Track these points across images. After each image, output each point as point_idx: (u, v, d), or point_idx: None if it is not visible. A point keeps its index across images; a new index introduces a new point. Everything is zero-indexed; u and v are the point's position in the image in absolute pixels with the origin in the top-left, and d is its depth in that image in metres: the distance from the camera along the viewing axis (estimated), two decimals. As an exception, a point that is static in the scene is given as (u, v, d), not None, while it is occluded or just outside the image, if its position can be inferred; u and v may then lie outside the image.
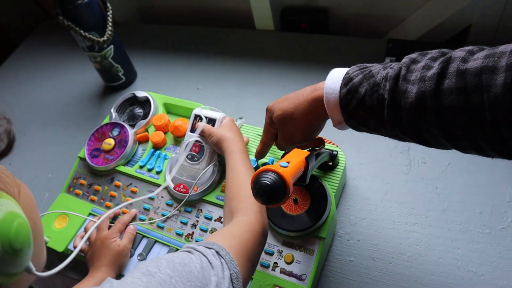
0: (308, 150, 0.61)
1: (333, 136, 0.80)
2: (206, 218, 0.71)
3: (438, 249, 0.68)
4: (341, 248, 0.71)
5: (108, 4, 0.88)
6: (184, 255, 0.45)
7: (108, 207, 0.76)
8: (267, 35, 1.05)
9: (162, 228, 0.72)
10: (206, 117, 0.74)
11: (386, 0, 0.94)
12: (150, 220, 0.73)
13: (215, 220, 0.70)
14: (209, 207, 0.72)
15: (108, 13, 0.88)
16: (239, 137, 0.70)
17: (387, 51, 0.87)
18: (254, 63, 1.00)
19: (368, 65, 0.51)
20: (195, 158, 0.72)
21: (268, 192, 0.47)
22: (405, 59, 0.46)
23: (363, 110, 0.48)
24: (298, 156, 0.55)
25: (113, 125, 0.82)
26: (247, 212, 0.56)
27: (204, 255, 0.45)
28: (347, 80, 0.49)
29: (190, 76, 1.02)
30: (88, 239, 0.70)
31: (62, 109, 1.03)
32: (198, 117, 0.75)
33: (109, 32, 0.88)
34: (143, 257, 0.70)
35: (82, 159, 0.82)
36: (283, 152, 0.69)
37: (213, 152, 0.72)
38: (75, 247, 0.63)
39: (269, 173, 0.48)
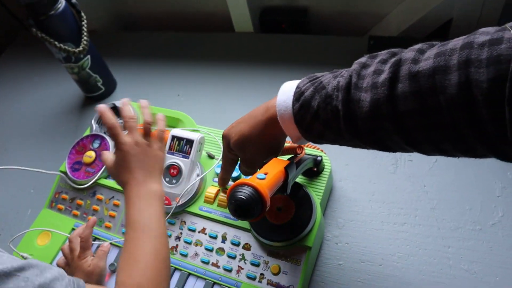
0: (288, 159, 0.60)
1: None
2: (190, 230, 0.69)
3: (429, 248, 0.66)
4: (330, 252, 0.69)
5: (83, 14, 0.86)
6: None
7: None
8: (247, 37, 1.04)
9: (146, 241, 0.70)
10: (184, 138, 0.72)
11: (367, -4, 0.93)
12: (134, 233, 0.71)
13: (199, 232, 0.68)
14: (192, 218, 0.70)
15: (83, 23, 0.86)
16: (148, 171, 0.58)
17: (369, 48, 0.86)
18: (234, 66, 0.98)
19: (318, 75, 0.49)
20: (173, 181, 0.71)
21: (243, 207, 0.45)
22: (355, 65, 0.44)
23: (319, 124, 0.46)
24: (276, 166, 0.54)
25: (94, 137, 0.80)
26: None
27: None
28: (298, 95, 0.48)
29: (170, 83, 1.00)
30: (67, 260, 0.67)
31: (43, 122, 1.01)
32: (175, 138, 0.73)
33: (85, 42, 0.86)
34: (128, 272, 0.68)
35: (64, 173, 0.80)
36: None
37: (192, 167, 0.71)
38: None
39: (244, 187, 0.46)
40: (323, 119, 0.45)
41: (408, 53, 0.40)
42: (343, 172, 0.76)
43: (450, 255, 0.65)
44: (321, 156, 0.68)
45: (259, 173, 0.49)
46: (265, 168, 0.52)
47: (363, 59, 0.44)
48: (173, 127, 0.81)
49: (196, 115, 0.82)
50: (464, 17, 0.85)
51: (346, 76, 0.44)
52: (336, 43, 0.96)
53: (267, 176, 0.49)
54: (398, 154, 0.76)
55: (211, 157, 0.76)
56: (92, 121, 0.83)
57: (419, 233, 0.68)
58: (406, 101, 0.38)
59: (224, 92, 0.94)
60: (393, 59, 0.41)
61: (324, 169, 0.70)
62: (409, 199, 0.71)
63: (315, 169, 0.70)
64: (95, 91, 0.97)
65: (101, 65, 0.96)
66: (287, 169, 0.53)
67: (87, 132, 0.84)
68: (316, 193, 0.67)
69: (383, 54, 0.44)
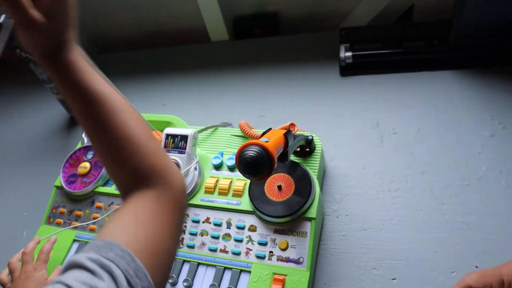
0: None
1: (303, 125, 0.82)
2: (194, 221, 0.70)
3: (425, 208, 0.70)
4: (332, 225, 0.71)
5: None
6: None
7: (93, 230, 0.75)
8: (223, 45, 1.08)
9: (151, 240, 0.71)
10: (178, 135, 0.74)
11: (331, -4, 0.99)
12: (138, 234, 0.72)
13: (203, 222, 0.70)
14: (194, 210, 0.71)
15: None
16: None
17: (341, 39, 0.91)
18: (215, 72, 1.02)
19: None
20: None
21: (254, 164, 0.48)
22: None
23: None
24: (277, 133, 0.57)
25: (86, 148, 0.81)
26: (161, 181, 0.43)
27: None
28: None
29: (154, 96, 1.02)
30: (11, 274, 0.65)
31: (29, 146, 1.01)
32: (169, 136, 0.75)
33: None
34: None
35: (59, 188, 0.80)
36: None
37: (189, 161, 0.72)
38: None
39: (252, 147, 0.48)
40: None
41: None
42: (333, 152, 0.80)
43: (445, 211, 0.69)
44: (311, 136, 0.72)
45: (265, 137, 0.52)
46: (267, 135, 0.55)
47: None
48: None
49: (185, 119, 0.85)
50: (424, 1, 0.92)
51: None
52: (309, 40, 1.01)
53: (270, 140, 0.52)
54: (382, 129, 0.80)
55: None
56: (83, 135, 0.84)
57: (413, 196, 0.71)
58: None
59: (208, 97, 0.97)
60: None
61: (316, 149, 0.73)
62: (399, 167, 0.75)
63: (308, 149, 0.73)
64: (80, 110, 0.98)
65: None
66: (286, 136, 0.56)
67: (79, 146, 0.84)
68: (312, 170, 0.70)
69: None
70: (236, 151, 0.74)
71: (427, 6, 0.92)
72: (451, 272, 0.63)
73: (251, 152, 0.48)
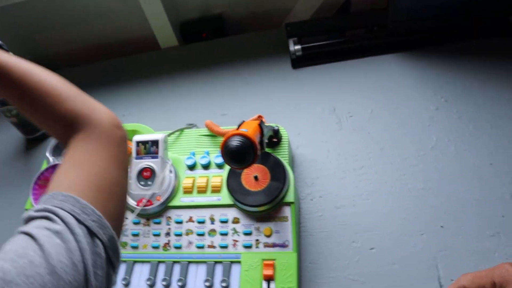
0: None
1: (266, 119, 0.86)
2: (177, 222, 0.72)
3: (388, 180, 0.76)
4: (308, 207, 0.76)
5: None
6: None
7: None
8: (173, 51, 1.09)
9: (136, 247, 0.71)
10: (148, 141, 0.75)
11: (271, -6, 1.04)
12: (122, 244, 0.72)
13: (186, 222, 0.71)
14: (176, 211, 0.73)
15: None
16: None
17: (288, 34, 0.96)
18: (169, 79, 1.03)
19: None
20: (149, 183, 0.73)
21: (239, 153, 0.51)
22: None
23: None
24: (251, 124, 0.60)
25: (54, 167, 0.80)
26: (87, 121, 0.46)
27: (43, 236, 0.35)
28: None
29: (112, 108, 1.00)
30: None
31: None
32: (140, 143, 0.76)
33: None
34: (127, 281, 0.68)
35: (30, 211, 0.78)
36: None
37: (163, 164, 0.74)
38: None
39: (236, 137, 0.52)
40: None
41: None
42: (297, 141, 0.84)
43: (407, 180, 0.75)
44: (277, 126, 0.75)
45: (242, 128, 0.55)
46: (243, 126, 0.58)
47: None
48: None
49: (149, 125, 0.85)
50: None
51: None
52: (256, 38, 1.05)
53: (249, 130, 0.55)
54: (339, 113, 0.86)
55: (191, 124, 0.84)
56: (47, 154, 0.82)
57: (377, 171, 0.77)
58: None
59: (168, 102, 0.98)
60: None
61: (283, 138, 0.77)
62: (360, 147, 0.81)
63: (275, 139, 0.77)
64: (37, 130, 0.95)
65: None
66: (260, 125, 0.60)
67: (44, 166, 0.83)
68: (282, 158, 0.74)
69: None
70: (206, 149, 0.78)
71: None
72: (421, 234, 0.69)
73: (235, 142, 0.51)
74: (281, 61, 0.98)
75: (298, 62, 0.95)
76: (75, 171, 0.42)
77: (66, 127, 0.46)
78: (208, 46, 1.07)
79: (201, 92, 0.98)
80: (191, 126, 0.85)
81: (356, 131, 0.83)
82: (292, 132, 0.85)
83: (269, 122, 0.82)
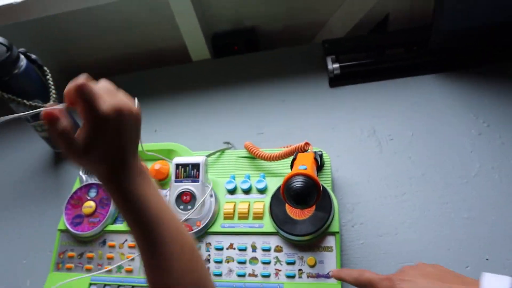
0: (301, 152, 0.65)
1: (302, 139, 0.85)
2: (217, 249, 0.70)
3: (431, 208, 0.74)
4: (349, 235, 0.74)
5: (45, 68, 0.85)
6: None
7: (109, 271, 0.72)
8: (205, 64, 1.08)
9: (174, 273, 0.70)
10: (189, 164, 0.73)
11: (306, 7, 1.02)
12: (159, 269, 0.70)
13: (227, 249, 0.70)
14: (216, 237, 0.71)
15: (48, 77, 0.84)
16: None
17: (325, 51, 0.94)
18: (201, 94, 1.01)
19: None
20: (188, 207, 0.71)
21: (303, 194, 0.49)
22: None
23: None
24: (307, 158, 0.58)
25: (88, 187, 0.78)
26: None
27: None
28: None
29: (143, 121, 0.99)
30: None
31: (14, 190, 0.95)
32: (180, 166, 0.74)
33: (54, 96, 0.84)
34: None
35: (64, 231, 0.76)
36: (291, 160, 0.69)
37: (203, 189, 0.72)
38: None
39: (298, 177, 0.50)
40: None
41: None
42: (336, 163, 0.82)
43: (450, 209, 0.73)
44: (321, 151, 0.74)
45: (301, 166, 0.53)
46: (300, 161, 0.57)
47: None
48: (167, 159, 0.82)
49: (182, 144, 0.84)
50: (398, 10, 0.97)
51: None
52: (290, 54, 1.03)
53: (307, 166, 0.53)
54: (379, 135, 0.84)
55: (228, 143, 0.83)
56: (81, 173, 0.81)
57: (419, 198, 0.75)
58: None
59: (199, 117, 0.97)
60: None
61: (325, 163, 0.76)
62: (401, 171, 0.79)
63: (318, 163, 0.75)
64: (68, 144, 0.94)
65: (70, 118, 0.93)
66: (316, 158, 0.58)
67: (77, 185, 0.81)
68: (326, 184, 0.72)
69: None
70: (247, 172, 0.76)
71: (401, 15, 0.97)
72: (466, 267, 0.67)
73: (298, 183, 0.49)
74: (317, 79, 0.96)
75: (336, 81, 0.93)
76: None
77: None
78: (241, 60, 1.05)
79: (235, 108, 0.96)
80: (228, 145, 0.84)
81: (397, 154, 0.81)
82: (332, 154, 0.83)
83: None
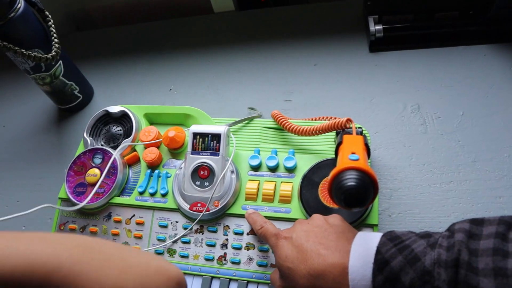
0: (342, 133, 0.55)
1: (335, 111, 0.75)
2: (236, 233, 0.62)
3: (481, 202, 0.65)
4: (385, 225, 0.65)
5: (47, 13, 0.73)
6: None
7: (114, 249, 0.65)
8: (228, 16, 0.95)
9: (186, 257, 0.62)
10: (209, 134, 0.64)
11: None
12: (169, 251, 0.63)
13: (247, 234, 0.61)
14: (236, 220, 0.62)
15: (50, 23, 0.73)
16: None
17: (367, 9, 0.82)
18: (222, 50, 0.90)
19: (402, 237, 0.40)
20: (206, 184, 0.63)
21: (358, 195, 0.39)
22: (459, 234, 0.37)
23: None
24: (357, 144, 0.48)
25: (93, 151, 0.69)
26: None
27: None
28: (381, 263, 0.39)
29: (156, 78, 0.89)
30: None
31: (14, 148, 0.86)
32: (198, 135, 0.64)
33: (57, 46, 0.73)
34: (175, 295, 0.59)
35: (65, 200, 0.68)
36: (336, 145, 0.58)
37: (224, 164, 0.63)
38: None
39: (351, 173, 0.40)
40: None
41: None
42: (375, 141, 0.72)
43: (503, 204, 0.64)
44: (361, 128, 0.64)
45: (351, 154, 0.44)
46: (349, 146, 0.47)
47: (465, 225, 0.37)
48: (182, 125, 0.73)
49: (200, 108, 0.74)
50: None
51: (447, 246, 0.36)
52: (325, 10, 0.91)
53: (359, 156, 0.43)
54: (424, 113, 0.74)
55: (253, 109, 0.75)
56: (84, 135, 0.71)
57: (468, 189, 0.66)
58: None
59: (219, 77, 0.86)
60: None
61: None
62: (448, 156, 0.69)
63: (369, 151, 0.65)
64: (72, 101, 0.84)
65: (75, 70, 0.83)
66: (366, 144, 0.48)
67: (81, 148, 0.72)
68: (364, 168, 0.63)
69: (493, 222, 0.37)
70: (273, 147, 0.67)
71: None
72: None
73: (352, 180, 0.39)
74: (356, 41, 0.84)
75: (378, 45, 0.81)
76: None
77: None
78: (268, 14, 0.93)
79: (260, 70, 0.85)
80: (255, 112, 0.74)
81: (444, 136, 0.71)
82: (368, 129, 0.73)
83: (339, 115, 0.71)
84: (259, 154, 0.66)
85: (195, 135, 0.64)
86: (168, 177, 0.67)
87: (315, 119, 0.72)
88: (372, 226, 0.58)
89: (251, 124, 0.71)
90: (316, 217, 0.51)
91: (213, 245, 0.62)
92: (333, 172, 0.41)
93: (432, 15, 0.81)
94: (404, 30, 0.80)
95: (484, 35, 0.79)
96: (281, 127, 0.68)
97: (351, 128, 0.58)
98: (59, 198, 0.69)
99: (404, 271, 0.37)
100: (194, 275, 0.61)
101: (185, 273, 0.61)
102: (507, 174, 0.66)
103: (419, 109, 0.74)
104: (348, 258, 0.41)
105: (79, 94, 0.84)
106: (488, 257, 0.34)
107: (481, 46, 0.79)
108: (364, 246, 0.41)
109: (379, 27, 0.79)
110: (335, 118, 0.64)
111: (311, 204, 0.59)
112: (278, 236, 0.50)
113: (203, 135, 0.64)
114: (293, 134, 0.66)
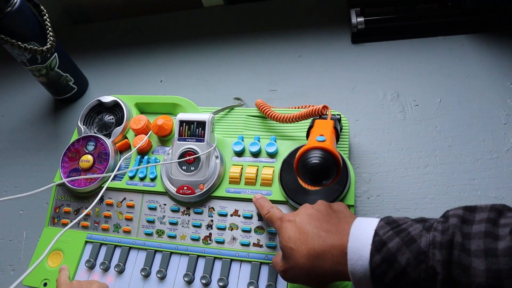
0: (318, 118, 0.58)
1: (318, 99, 0.78)
2: (220, 215, 0.65)
3: (456, 184, 0.68)
4: (364, 207, 0.68)
5: (42, 7, 0.77)
6: None
7: (106, 230, 0.68)
8: (218, 10, 0.99)
9: (174, 237, 0.66)
10: (194, 121, 0.67)
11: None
12: (158, 232, 0.66)
13: (231, 215, 0.65)
14: (220, 202, 0.66)
15: (45, 17, 0.77)
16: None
17: (349, 2, 0.85)
18: (211, 43, 0.94)
19: (399, 220, 0.42)
20: (192, 169, 0.66)
21: (321, 171, 0.43)
22: (453, 219, 0.39)
23: (405, 284, 0.39)
24: (326, 127, 0.51)
25: (86, 139, 0.73)
26: None
27: None
28: (378, 244, 0.40)
29: (147, 70, 0.93)
30: None
31: (12, 137, 0.90)
32: (184, 123, 0.68)
33: (51, 39, 0.77)
34: (163, 274, 0.63)
35: (60, 185, 0.72)
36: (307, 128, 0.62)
37: (208, 148, 0.66)
38: None
39: (316, 151, 0.43)
40: (412, 279, 0.38)
41: None
42: (355, 128, 0.76)
43: (477, 186, 0.67)
44: (339, 115, 0.67)
45: (318, 136, 0.47)
46: (318, 130, 0.50)
47: (459, 211, 0.40)
48: (171, 114, 0.76)
49: (189, 98, 0.77)
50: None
51: (442, 229, 0.38)
52: (309, 3, 0.94)
53: (326, 138, 0.47)
54: (403, 100, 0.77)
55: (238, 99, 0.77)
56: (78, 123, 0.75)
57: (444, 172, 0.69)
58: None
59: (208, 69, 0.89)
60: (508, 221, 0.36)
61: (343, 128, 0.69)
62: (425, 142, 0.72)
63: (338, 133, 0.68)
64: (67, 91, 0.88)
65: (69, 62, 0.87)
66: (336, 127, 0.51)
67: (75, 136, 0.76)
68: (343, 152, 0.66)
69: (485, 209, 0.39)
70: (256, 134, 0.70)
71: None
72: (488, 248, 0.62)
73: (316, 159, 0.43)
74: (339, 33, 0.87)
75: (360, 37, 0.84)
76: None
77: None
78: (255, 8, 0.96)
79: (247, 61, 0.88)
80: (239, 102, 0.77)
81: (422, 123, 0.74)
82: (350, 118, 0.76)
83: (321, 104, 0.74)
84: (242, 140, 0.69)
85: (181, 122, 0.67)
86: (157, 162, 0.71)
87: (297, 108, 0.75)
88: (348, 207, 0.61)
89: (236, 112, 0.74)
90: (321, 202, 0.52)
91: (199, 226, 0.65)
92: (299, 152, 0.44)
93: (413, 7, 0.84)
94: (385, 22, 0.83)
95: (462, 25, 0.82)
96: (264, 115, 0.71)
97: (327, 114, 0.61)
98: (54, 181, 0.72)
99: (401, 251, 0.39)
100: (181, 254, 0.65)
101: (172, 253, 0.65)
102: (481, 158, 0.69)
103: (398, 97, 0.77)
104: (347, 240, 0.43)
105: (74, 85, 0.88)
106: (480, 239, 0.35)
107: (459, 36, 0.82)
108: (363, 229, 0.43)
109: (361, 19, 0.82)
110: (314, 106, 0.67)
111: (290, 187, 0.62)
112: (282, 219, 0.52)
113: (189, 123, 0.67)
114: (275, 122, 0.70)
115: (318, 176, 0.43)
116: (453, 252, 0.36)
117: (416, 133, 0.73)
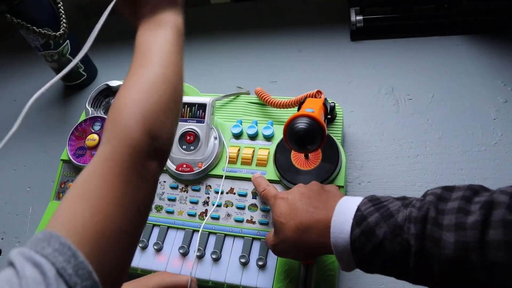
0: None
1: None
2: (217, 192, 0.68)
3: (444, 173, 0.70)
4: (355, 192, 0.71)
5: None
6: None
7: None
8: (224, 7, 1.03)
9: (172, 212, 0.69)
10: (195, 103, 0.71)
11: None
12: (157, 208, 0.69)
13: (227, 193, 0.68)
14: (217, 181, 0.69)
15: (59, 4, 0.81)
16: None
17: (349, 1, 0.89)
18: (217, 37, 0.98)
19: (382, 199, 0.45)
20: (191, 148, 0.70)
21: (307, 136, 0.46)
22: (430, 196, 0.40)
23: (381, 256, 0.41)
24: (316, 103, 0.55)
25: (93, 119, 0.77)
26: (119, 128, 0.38)
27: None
28: (359, 218, 0.42)
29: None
30: None
31: (23, 120, 0.94)
32: (186, 105, 0.71)
33: (65, 25, 0.81)
34: (159, 246, 0.66)
35: (66, 162, 0.76)
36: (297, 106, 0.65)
37: (208, 131, 0.70)
38: None
39: (302, 118, 0.47)
40: (388, 251, 0.40)
41: (501, 196, 0.36)
42: (350, 118, 0.79)
43: (465, 176, 0.70)
44: (333, 103, 0.70)
45: (307, 108, 0.50)
46: (307, 104, 0.53)
47: (437, 190, 0.41)
48: (175, 99, 0.80)
49: (194, 86, 0.81)
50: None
51: (419, 206, 0.40)
52: (312, 2, 0.98)
53: (315, 111, 0.50)
54: (397, 94, 0.80)
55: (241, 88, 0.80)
56: (87, 105, 0.79)
57: (433, 162, 0.72)
58: (498, 250, 0.34)
59: (213, 61, 0.93)
60: (481, 199, 0.37)
61: (337, 116, 0.72)
62: (417, 133, 0.75)
63: (329, 116, 0.71)
64: (77, 78, 0.92)
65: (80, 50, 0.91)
66: (325, 104, 0.55)
67: (83, 117, 0.80)
68: (335, 137, 0.69)
69: (461, 189, 0.40)
70: (255, 118, 0.73)
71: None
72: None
73: (302, 124, 0.46)
74: (338, 30, 0.91)
75: (358, 34, 0.88)
76: (82, 204, 0.33)
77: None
78: (260, 6, 1.01)
79: (250, 54, 0.92)
80: (242, 90, 0.80)
81: (414, 116, 0.77)
82: (345, 109, 0.79)
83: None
84: (241, 124, 0.72)
85: (183, 104, 0.71)
86: (159, 143, 0.74)
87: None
88: (339, 188, 0.64)
89: (237, 99, 0.78)
90: (314, 183, 0.55)
91: (196, 203, 0.68)
92: (288, 119, 0.48)
93: (410, 8, 0.88)
94: (383, 21, 0.87)
95: (457, 26, 0.85)
96: (262, 102, 0.74)
97: (320, 98, 0.64)
98: (61, 159, 0.76)
99: (379, 225, 0.41)
100: (177, 228, 0.68)
101: (169, 227, 0.68)
102: (469, 149, 0.72)
103: (392, 91, 0.81)
104: (332, 215, 0.46)
105: (83, 73, 0.92)
106: (452, 215, 0.37)
107: (454, 37, 0.85)
108: (347, 205, 0.45)
109: (360, 17, 0.86)
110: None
111: (284, 167, 0.65)
112: (276, 197, 0.55)
113: (191, 105, 0.71)
114: (272, 108, 0.73)
115: (304, 140, 0.46)
116: (427, 227, 0.38)
117: (408, 125, 0.76)
